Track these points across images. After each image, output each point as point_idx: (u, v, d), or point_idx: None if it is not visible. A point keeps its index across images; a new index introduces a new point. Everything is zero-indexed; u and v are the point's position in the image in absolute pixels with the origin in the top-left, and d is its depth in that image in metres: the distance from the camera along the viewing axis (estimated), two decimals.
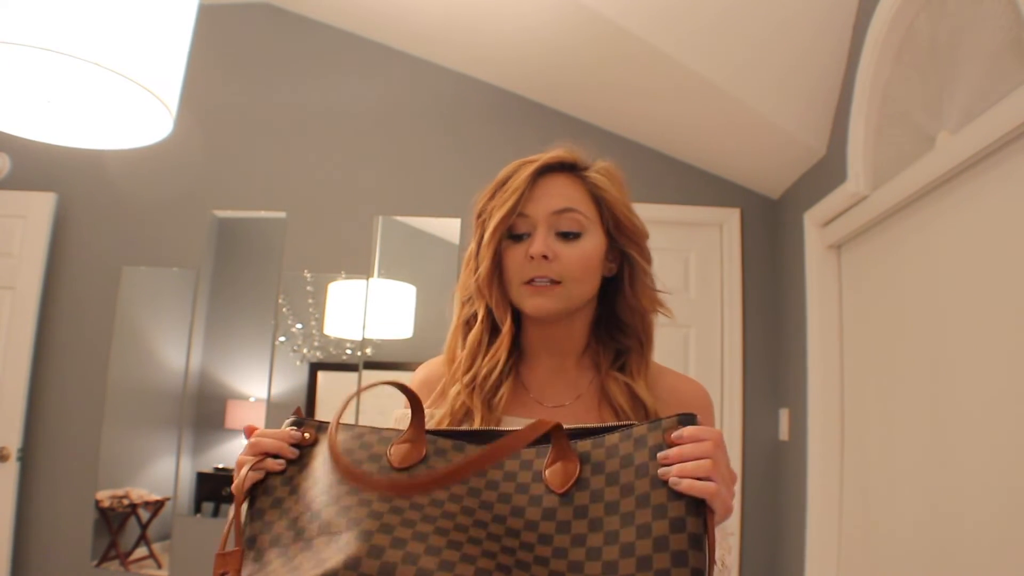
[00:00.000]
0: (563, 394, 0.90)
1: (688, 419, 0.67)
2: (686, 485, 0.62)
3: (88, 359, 2.99)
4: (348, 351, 3.02)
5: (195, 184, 3.10)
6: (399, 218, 3.07)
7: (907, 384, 1.96)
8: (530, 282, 0.85)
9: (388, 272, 3.03)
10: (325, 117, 3.16)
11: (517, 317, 0.91)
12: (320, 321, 3.03)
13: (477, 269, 0.89)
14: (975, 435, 1.61)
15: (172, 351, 3.04)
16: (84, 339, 3.00)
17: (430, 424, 0.86)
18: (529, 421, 0.86)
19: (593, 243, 0.88)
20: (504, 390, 0.87)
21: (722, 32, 2.29)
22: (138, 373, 3.05)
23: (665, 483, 0.63)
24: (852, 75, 2.19)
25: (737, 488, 3.17)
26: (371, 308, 2.99)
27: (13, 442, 2.83)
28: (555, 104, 3.07)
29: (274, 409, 2.99)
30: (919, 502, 1.85)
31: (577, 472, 0.66)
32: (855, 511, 2.28)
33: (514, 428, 0.84)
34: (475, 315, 0.91)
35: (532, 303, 0.86)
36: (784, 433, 2.78)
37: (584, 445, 0.68)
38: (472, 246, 0.92)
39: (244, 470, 0.70)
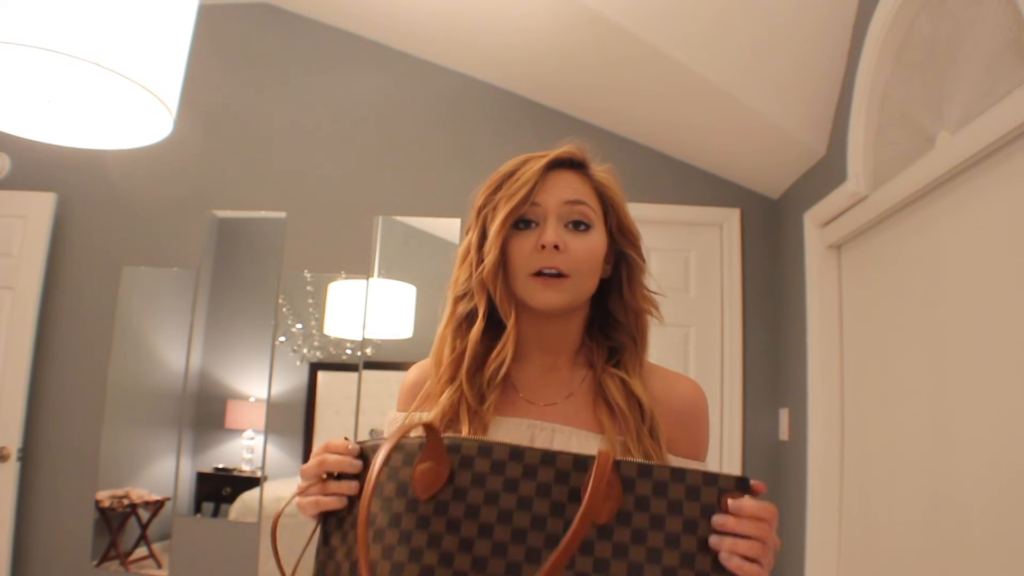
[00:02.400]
0: (554, 393, 0.89)
1: (744, 485, 0.64)
2: (735, 564, 0.61)
3: (88, 359, 2.99)
4: (348, 351, 3.02)
5: (195, 184, 3.10)
6: (399, 218, 3.07)
7: (907, 384, 1.96)
8: (538, 274, 0.83)
9: (388, 272, 3.03)
10: (325, 117, 3.15)
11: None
12: (320, 321, 3.03)
13: (478, 263, 0.86)
14: (975, 434, 1.61)
15: (172, 351, 3.04)
16: (84, 339, 3.00)
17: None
18: (521, 420, 0.85)
19: (599, 239, 0.88)
20: (496, 390, 0.86)
21: (722, 32, 2.29)
22: (138, 373, 3.05)
23: (712, 551, 0.62)
24: (852, 75, 2.19)
25: None
26: (371, 308, 2.99)
27: (13, 442, 2.83)
28: (555, 104, 3.07)
29: (274, 409, 2.99)
30: (919, 502, 1.85)
31: (619, 503, 0.63)
32: (855, 511, 2.28)
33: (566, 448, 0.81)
34: (473, 312, 0.88)
35: (540, 296, 0.83)
36: (784, 433, 2.78)
37: (629, 469, 0.65)
38: (469, 239, 0.89)
39: (308, 496, 0.71)
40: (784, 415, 2.79)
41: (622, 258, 0.92)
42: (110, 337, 2.99)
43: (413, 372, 0.97)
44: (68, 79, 1.40)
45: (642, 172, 3.08)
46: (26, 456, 2.89)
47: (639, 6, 2.27)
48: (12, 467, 2.82)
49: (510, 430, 0.84)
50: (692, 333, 3.03)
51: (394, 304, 3.05)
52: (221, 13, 3.16)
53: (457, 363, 0.87)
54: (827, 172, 2.45)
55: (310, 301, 3.03)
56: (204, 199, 3.09)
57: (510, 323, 0.85)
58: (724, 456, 2.91)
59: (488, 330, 0.87)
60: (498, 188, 0.87)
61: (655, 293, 0.94)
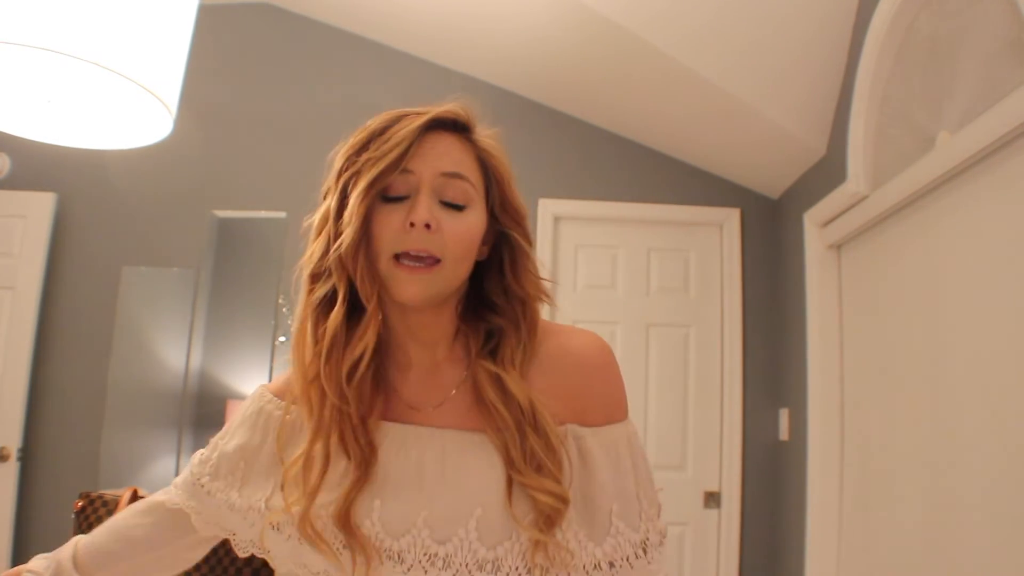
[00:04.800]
0: (437, 394, 0.78)
1: None
2: None
3: (88, 359, 2.98)
4: None
5: (195, 184, 3.10)
6: None
7: (907, 384, 1.96)
8: (403, 257, 0.70)
9: None
10: (325, 117, 3.15)
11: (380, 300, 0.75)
12: None
13: (335, 237, 0.72)
14: (975, 434, 1.61)
15: (172, 351, 3.04)
16: (84, 339, 3.00)
17: (291, 466, 0.74)
18: (406, 427, 0.76)
19: (477, 219, 0.75)
20: (367, 391, 0.75)
21: (722, 32, 2.29)
22: (138, 373, 3.05)
23: None
24: (852, 75, 2.19)
25: (737, 488, 3.16)
26: None
27: (13, 442, 2.83)
28: (555, 104, 3.07)
29: None
30: (919, 502, 1.85)
31: None
32: (855, 511, 2.28)
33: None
34: (330, 296, 0.74)
35: (405, 288, 0.71)
36: (784, 433, 2.78)
37: None
38: (326, 208, 0.74)
39: None
40: (784, 415, 2.79)
41: (503, 239, 0.79)
42: (110, 337, 2.99)
43: (252, 404, 0.85)
44: (68, 79, 1.40)
45: (642, 172, 3.08)
46: (26, 456, 2.89)
47: (639, 5, 2.27)
48: (12, 467, 2.82)
49: (394, 439, 0.76)
50: (692, 333, 3.03)
51: None
52: (221, 13, 3.16)
53: (319, 356, 0.73)
54: (827, 172, 2.45)
55: None
56: (204, 199, 3.09)
57: (371, 307, 0.72)
58: (724, 456, 2.91)
59: (354, 316, 0.74)
60: (364, 148, 0.73)
61: (545, 280, 0.80)
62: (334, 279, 0.73)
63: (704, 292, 3.05)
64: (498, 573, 0.70)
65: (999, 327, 1.54)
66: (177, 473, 2.95)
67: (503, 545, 0.71)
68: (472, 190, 0.75)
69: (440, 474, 0.73)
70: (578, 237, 3.07)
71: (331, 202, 0.73)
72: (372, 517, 0.72)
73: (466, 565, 0.70)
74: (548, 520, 0.70)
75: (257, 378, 3.03)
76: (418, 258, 0.70)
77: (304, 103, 3.17)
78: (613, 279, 3.05)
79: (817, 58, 2.32)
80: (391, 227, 0.71)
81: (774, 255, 3.00)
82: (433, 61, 3.15)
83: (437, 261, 0.71)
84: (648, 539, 0.74)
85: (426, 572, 0.71)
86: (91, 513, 1.21)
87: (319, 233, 0.75)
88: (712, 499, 2.91)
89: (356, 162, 0.73)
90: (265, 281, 3.04)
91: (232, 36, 3.21)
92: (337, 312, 0.73)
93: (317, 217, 0.76)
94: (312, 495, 0.72)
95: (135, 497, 1.13)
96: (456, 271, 0.73)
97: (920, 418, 1.87)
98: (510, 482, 0.71)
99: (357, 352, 0.72)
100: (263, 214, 3.09)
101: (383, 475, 0.74)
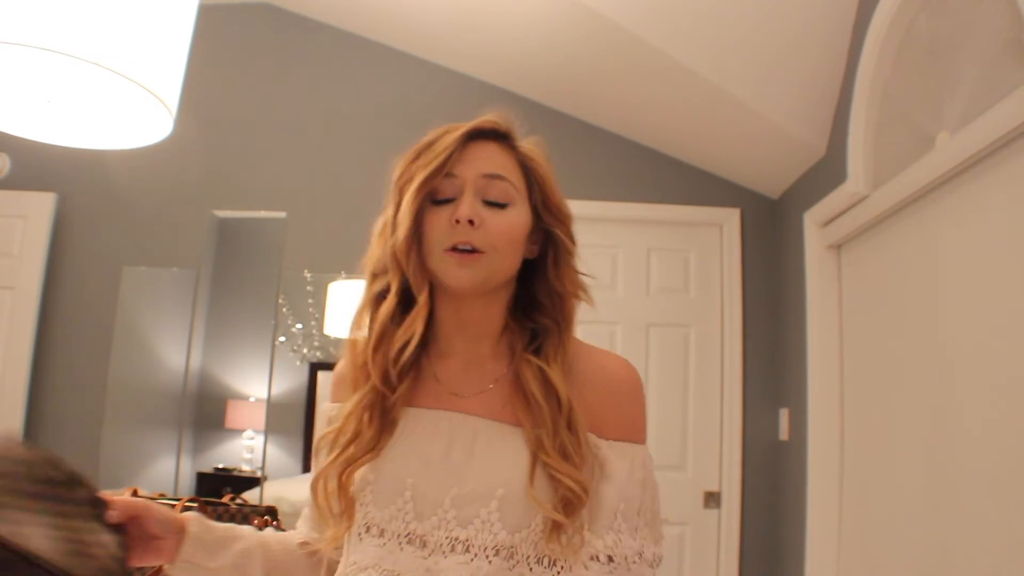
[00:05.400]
0: (476, 384, 0.83)
1: None
2: None
3: (88, 359, 2.98)
4: None
5: (195, 184, 3.10)
6: None
7: (907, 384, 1.96)
8: (453, 249, 0.77)
9: None
10: (325, 117, 3.15)
11: (431, 298, 0.82)
12: (320, 321, 3.03)
13: (394, 235, 0.81)
14: (975, 434, 1.61)
15: (172, 351, 3.04)
16: (84, 339, 3.00)
17: (334, 421, 0.83)
18: (440, 413, 0.82)
19: (520, 216, 0.82)
20: (409, 377, 0.81)
21: (721, 32, 2.29)
22: (138, 373, 3.05)
23: None
24: (852, 75, 2.19)
25: (737, 488, 3.16)
26: None
27: None
28: (554, 104, 3.07)
29: (274, 409, 2.99)
30: (919, 502, 1.85)
31: None
32: (855, 511, 2.28)
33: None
34: (385, 291, 0.82)
35: (454, 273, 0.77)
36: (784, 433, 2.79)
37: None
38: (387, 214, 0.84)
39: None
40: (784, 415, 2.79)
41: (549, 238, 0.86)
42: (110, 337, 2.99)
43: (338, 369, 0.92)
44: (68, 79, 1.40)
45: (642, 172, 3.08)
46: None
47: (637, 4, 2.27)
48: None
49: (428, 423, 0.81)
50: (692, 333, 3.03)
51: None
52: (221, 13, 3.16)
53: (369, 343, 0.81)
54: (827, 172, 2.45)
55: (310, 301, 3.03)
56: (204, 199, 3.09)
57: (421, 299, 0.80)
58: (724, 456, 2.91)
59: (405, 310, 0.81)
60: (416, 158, 0.83)
61: (584, 275, 0.88)
62: (390, 275, 0.81)
63: (704, 292, 3.05)
64: (512, 559, 0.75)
65: (999, 327, 1.54)
66: (177, 473, 2.97)
67: (520, 533, 0.75)
68: (513, 190, 0.82)
69: (469, 454, 0.78)
70: (578, 237, 3.06)
71: (389, 209, 0.84)
72: (404, 496, 0.77)
73: (484, 549, 0.74)
74: (568, 505, 0.74)
75: (257, 378, 3.03)
76: (465, 251, 0.78)
77: (304, 103, 3.17)
78: (613, 279, 3.05)
79: (817, 58, 2.32)
80: (440, 225, 0.79)
81: (774, 255, 3.00)
82: (433, 61, 3.15)
83: (480, 252, 0.78)
84: (643, 553, 0.78)
85: (445, 557, 0.74)
86: None
87: (379, 236, 0.84)
88: (712, 499, 2.91)
89: (409, 171, 0.82)
90: (265, 281, 3.04)
91: (232, 36, 3.21)
92: (388, 303, 0.81)
93: (379, 223, 0.85)
94: (335, 461, 0.79)
95: (135, 497, 1.14)
96: (500, 262, 0.80)
97: (920, 418, 1.87)
98: (533, 466, 0.76)
99: (404, 339, 0.79)
100: (263, 214, 3.09)
101: (418, 456, 0.79)
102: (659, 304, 3.05)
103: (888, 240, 2.11)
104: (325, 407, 0.92)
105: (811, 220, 2.54)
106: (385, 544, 0.77)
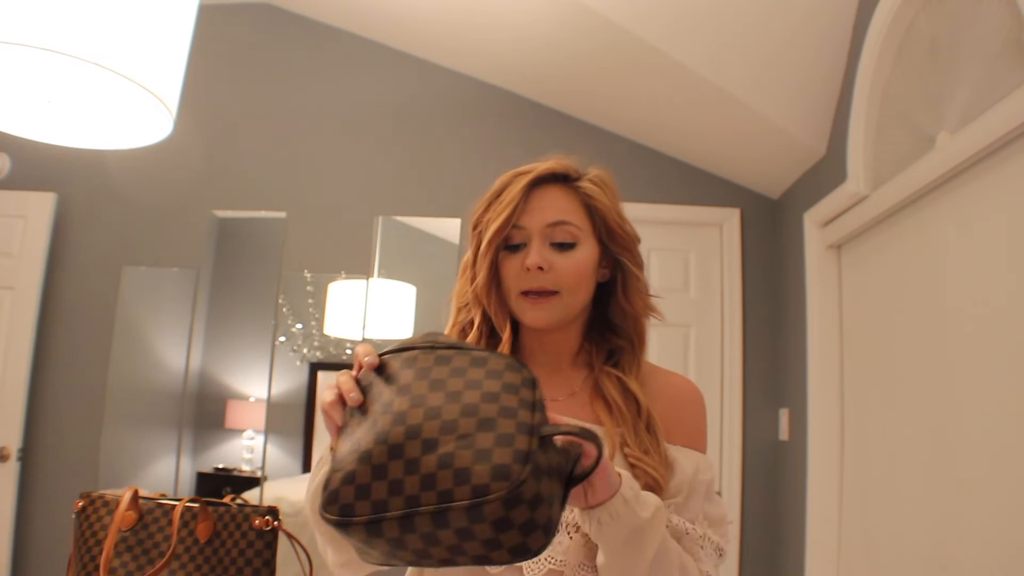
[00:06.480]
0: (556, 392, 0.92)
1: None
2: None
3: (88, 359, 2.98)
4: (348, 351, 3.02)
5: (195, 184, 3.10)
6: (399, 218, 3.07)
7: (907, 384, 1.96)
8: (527, 294, 0.88)
9: (388, 272, 3.03)
10: (325, 117, 3.15)
11: (515, 323, 0.93)
12: (320, 321, 3.03)
13: (474, 278, 0.91)
14: (975, 434, 1.61)
15: (172, 351, 3.04)
16: (84, 339, 3.00)
17: None
18: None
19: (586, 253, 0.90)
20: None
21: (722, 33, 2.29)
22: (138, 373, 3.05)
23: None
24: (852, 75, 2.19)
25: (737, 488, 3.15)
26: (371, 308, 2.99)
27: (13, 442, 2.83)
28: (554, 104, 3.07)
29: (274, 409, 2.99)
30: (919, 502, 1.85)
31: None
32: (855, 511, 2.28)
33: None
34: (471, 321, 0.93)
35: (531, 316, 0.88)
36: (784, 433, 2.79)
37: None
38: (469, 255, 0.94)
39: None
40: (784, 415, 2.79)
41: (618, 263, 0.94)
42: (110, 337, 2.99)
43: None
44: (68, 79, 1.40)
45: (642, 172, 3.08)
46: (26, 456, 2.89)
47: (636, 3, 2.27)
48: (12, 467, 2.82)
49: None
50: (692, 333, 3.03)
51: (394, 304, 3.05)
52: (221, 13, 3.16)
53: None
54: (827, 172, 2.45)
55: (310, 301, 3.03)
56: (204, 199, 3.09)
57: (504, 336, 0.90)
58: (724, 456, 2.91)
59: (492, 337, 0.92)
60: (487, 208, 0.91)
61: (654, 296, 0.96)
62: (473, 310, 0.93)
63: (704, 292, 3.05)
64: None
65: (999, 327, 1.54)
66: (177, 473, 2.97)
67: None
68: (577, 230, 0.90)
69: None
70: None
71: (471, 251, 0.93)
72: None
73: (566, 526, 0.80)
74: (648, 491, 0.79)
75: (257, 378, 3.03)
76: (539, 293, 0.87)
77: (304, 103, 3.17)
78: None
79: (817, 58, 2.32)
80: (514, 271, 0.89)
81: (774, 255, 3.00)
82: (433, 61, 3.15)
83: (554, 293, 0.87)
84: (707, 536, 0.85)
85: None
86: (91, 513, 1.21)
87: (463, 274, 0.95)
88: None
89: (483, 220, 0.91)
90: (265, 281, 3.04)
91: (232, 36, 3.21)
92: (473, 334, 0.92)
93: (464, 260, 0.95)
94: None
95: (136, 497, 1.14)
96: (573, 299, 0.89)
97: (920, 418, 1.87)
98: (613, 457, 0.83)
99: None
100: (263, 214, 3.10)
101: None
102: (659, 304, 3.04)
103: (888, 240, 2.11)
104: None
105: (811, 220, 2.54)
106: None
